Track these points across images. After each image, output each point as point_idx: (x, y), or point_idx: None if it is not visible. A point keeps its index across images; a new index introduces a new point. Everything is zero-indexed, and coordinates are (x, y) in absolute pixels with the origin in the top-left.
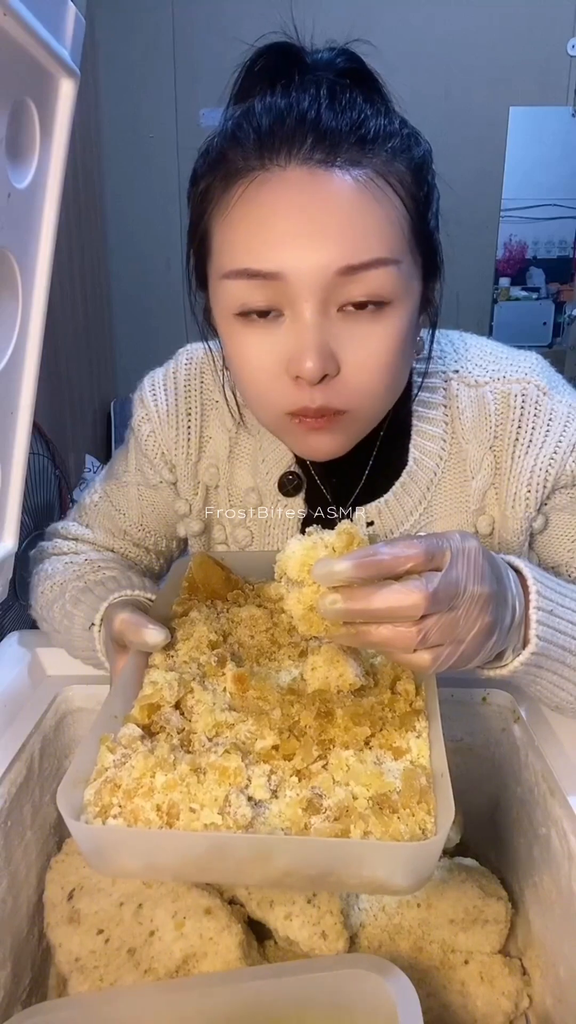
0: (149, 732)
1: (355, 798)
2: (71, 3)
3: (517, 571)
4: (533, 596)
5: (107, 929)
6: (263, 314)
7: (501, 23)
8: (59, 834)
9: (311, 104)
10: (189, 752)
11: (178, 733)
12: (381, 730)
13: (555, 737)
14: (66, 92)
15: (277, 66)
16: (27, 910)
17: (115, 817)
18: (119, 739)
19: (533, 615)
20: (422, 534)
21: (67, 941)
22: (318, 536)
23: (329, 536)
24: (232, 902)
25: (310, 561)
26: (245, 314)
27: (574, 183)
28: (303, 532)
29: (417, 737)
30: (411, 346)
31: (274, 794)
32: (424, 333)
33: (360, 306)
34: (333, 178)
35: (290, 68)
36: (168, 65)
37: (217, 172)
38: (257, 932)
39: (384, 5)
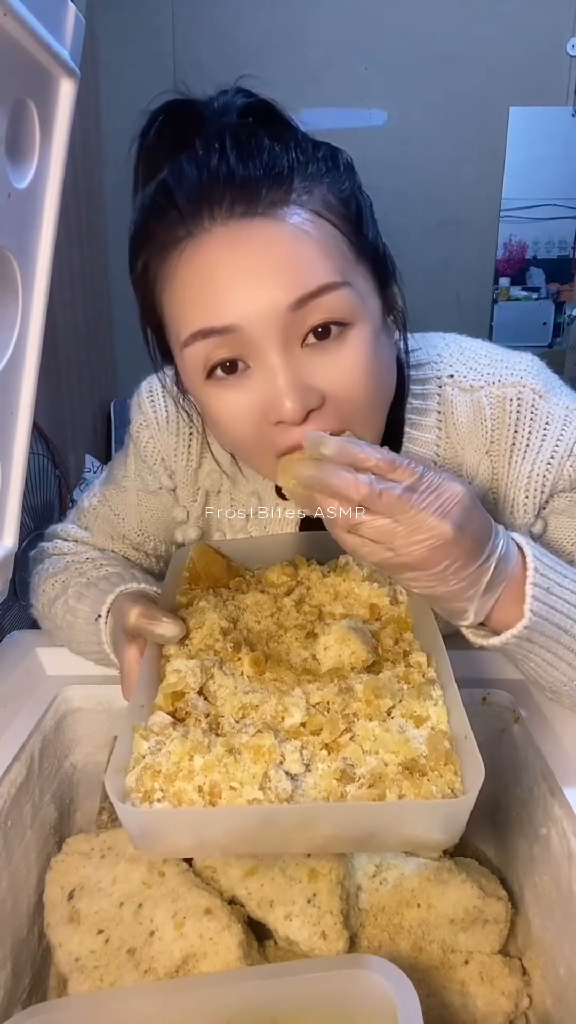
0: (175, 719)
1: (386, 765)
2: (71, 3)
3: (519, 547)
4: (531, 572)
5: (107, 929)
6: (231, 369)
7: (501, 23)
8: (59, 834)
9: (220, 160)
10: (219, 735)
11: (205, 717)
12: (400, 701)
13: (555, 737)
14: (66, 92)
15: (177, 124)
16: (27, 910)
17: (159, 801)
18: (150, 727)
19: (529, 590)
20: (426, 467)
21: (67, 941)
22: None
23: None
24: (232, 902)
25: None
26: (213, 373)
27: (574, 183)
28: (300, 531)
29: (434, 705)
30: (385, 355)
31: (307, 768)
32: (401, 335)
33: (322, 335)
34: (261, 225)
35: (190, 122)
36: (168, 65)
37: (149, 250)
38: (257, 932)
39: (384, 5)
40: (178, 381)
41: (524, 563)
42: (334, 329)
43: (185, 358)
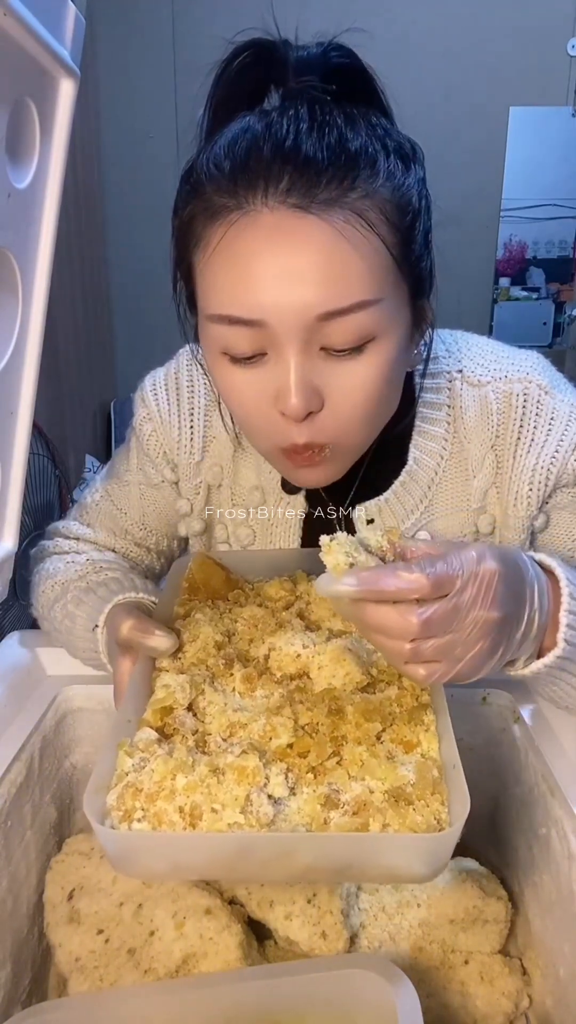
0: (163, 734)
1: (371, 792)
2: (71, 3)
3: (550, 572)
4: (565, 599)
5: (107, 929)
6: (247, 358)
7: (501, 23)
8: (59, 834)
9: (288, 130)
10: (205, 753)
11: (192, 734)
12: (391, 725)
13: (555, 737)
14: (66, 92)
15: (259, 67)
16: (27, 910)
17: (139, 820)
18: (136, 743)
19: (563, 618)
20: (436, 555)
21: (67, 941)
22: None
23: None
24: (232, 902)
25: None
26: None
27: (574, 183)
28: (304, 531)
29: (426, 731)
30: (400, 372)
31: (292, 791)
32: (423, 342)
33: (343, 344)
34: (309, 225)
35: (273, 69)
36: (168, 65)
37: (197, 206)
38: (257, 932)
39: (384, 5)
40: (196, 333)
41: (556, 588)
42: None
43: (207, 328)
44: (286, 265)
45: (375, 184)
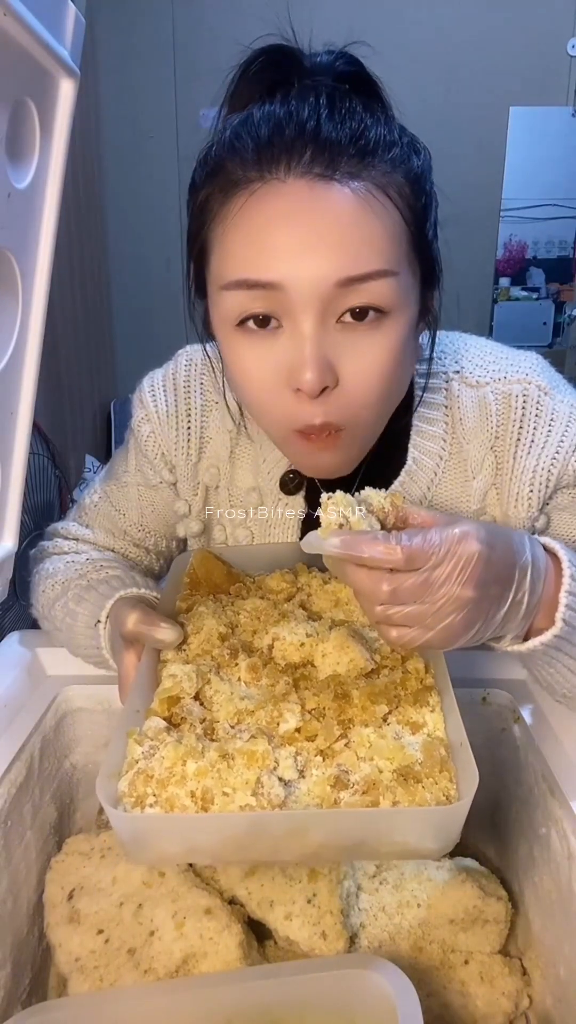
0: (171, 723)
1: (380, 771)
2: (71, 3)
3: (553, 554)
4: (566, 580)
5: (107, 929)
6: (263, 323)
7: (501, 23)
8: (59, 834)
9: (310, 113)
10: (214, 740)
11: (200, 722)
12: (397, 707)
13: (555, 737)
14: (66, 92)
15: (274, 70)
16: (27, 910)
17: (151, 806)
18: (145, 732)
19: (563, 599)
20: (425, 526)
21: (67, 941)
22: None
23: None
24: (232, 902)
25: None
26: (244, 324)
27: (574, 183)
28: (303, 532)
29: (431, 711)
30: (410, 356)
31: (301, 774)
32: (423, 338)
33: (359, 316)
34: (332, 191)
35: (288, 72)
36: (168, 65)
37: (216, 183)
38: (257, 932)
39: (384, 5)
40: (206, 322)
41: (559, 570)
42: (372, 314)
43: (221, 301)
44: (307, 231)
45: (392, 166)
